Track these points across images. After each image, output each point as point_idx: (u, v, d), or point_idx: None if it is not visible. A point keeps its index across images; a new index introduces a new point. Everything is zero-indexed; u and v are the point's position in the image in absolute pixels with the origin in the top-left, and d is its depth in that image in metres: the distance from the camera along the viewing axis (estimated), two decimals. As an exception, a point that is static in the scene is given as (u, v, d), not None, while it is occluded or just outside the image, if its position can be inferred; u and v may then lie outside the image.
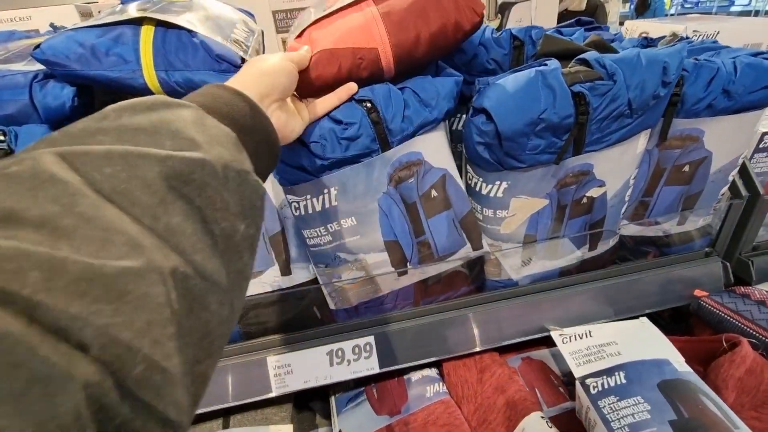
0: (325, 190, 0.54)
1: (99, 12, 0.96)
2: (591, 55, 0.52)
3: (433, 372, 0.77)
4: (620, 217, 0.69)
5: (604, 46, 0.58)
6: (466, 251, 0.64)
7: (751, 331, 0.63)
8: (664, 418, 0.53)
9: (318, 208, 0.56)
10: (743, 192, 0.72)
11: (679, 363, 0.60)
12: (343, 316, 0.69)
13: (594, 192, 0.62)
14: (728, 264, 0.77)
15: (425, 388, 0.74)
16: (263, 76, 0.41)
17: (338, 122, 0.50)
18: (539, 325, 0.72)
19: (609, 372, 0.61)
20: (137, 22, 0.59)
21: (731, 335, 0.64)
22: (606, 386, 0.59)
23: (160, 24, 0.59)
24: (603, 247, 0.72)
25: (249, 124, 0.34)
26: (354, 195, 0.55)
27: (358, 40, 0.51)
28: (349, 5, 0.53)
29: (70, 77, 0.56)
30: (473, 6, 0.53)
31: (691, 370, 0.59)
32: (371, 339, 0.68)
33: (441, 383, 0.75)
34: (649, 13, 4.66)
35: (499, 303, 0.71)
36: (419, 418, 0.69)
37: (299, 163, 0.51)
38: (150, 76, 0.57)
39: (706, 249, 0.78)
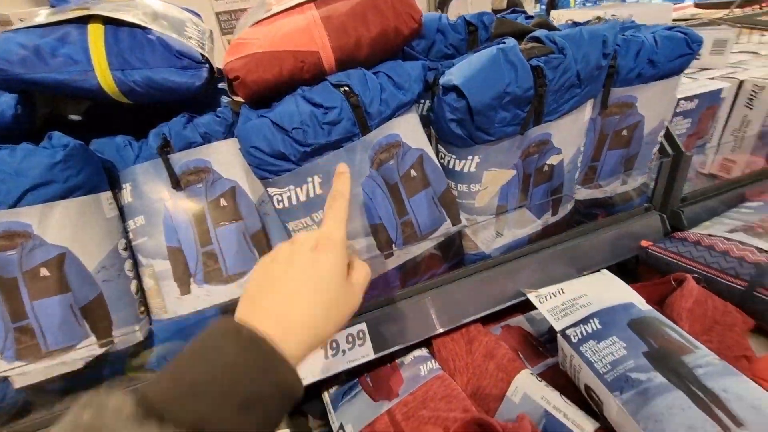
0: (309, 179, 0.54)
1: (20, 20, 0.87)
2: (541, 32, 0.58)
3: (423, 351, 0.79)
4: (573, 183, 0.76)
5: (549, 26, 0.64)
6: (447, 227, 0.67)
7: (693, 267, 0.73)
8: (639, 351, 0.59)
9: (302, 198, 0.56)
10: (669, 151, 0.83)
11: (641, 304, 0.68)
12: (332, 307, 0.69)
13: (553, 159, 0.67)
14: (665, 216, 0.88)
15: (419, 368, 0.75)
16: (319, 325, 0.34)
17: (318, 106, 0.50)
18: (516, 290, 0.77)
19: (585, 321, 0.66)
20: (82, 20, 0.55)
21: (678, 274, 0.73)
22: (584, 333, 0.65)
23: (108, 22, 0.55)
24: (562, 212, 0.79)
25: (258, 392, 0.29)
26: (338, 181, 0.55)
27: (298, 42, 0.52)
28: (291, 8, 0.54)
29: (12, 82, 0.51)
30: (411, 13, 0.56)
31: (653, 309, 0.67)
32: (363, 326, 0.68)
33: (433, 361, 0.77)
34: (559, 11, 5.10)
35: (479, 275, 0.75)
36: (418, 396, 0.71)
37: (279, 151, 0.51)
38: (104, 76, 0.54)
39: (646, 205, 0.88)
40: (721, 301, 0.68)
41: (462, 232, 0.71)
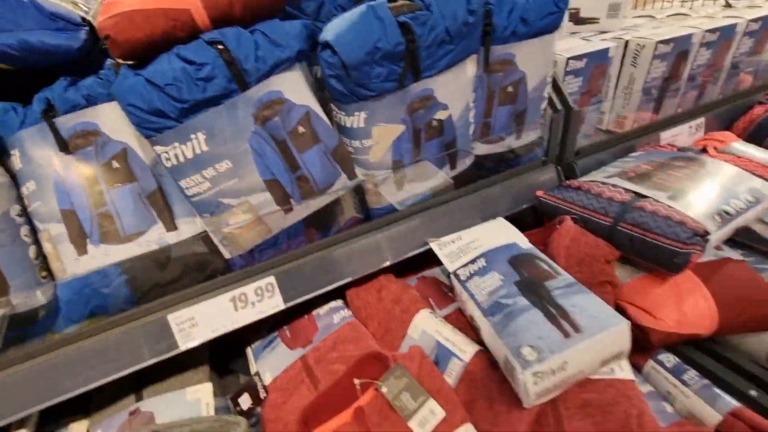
0: (192, 136, 0.57)
1: None
2: (411, -9, 0.62)
3: (338, 303, 0.85)
4: (470, 137, 0.82)
5: (425, -14, 0.67)
6: (343, 182, 0.71)
7: (573, 210, 0.81)
8: (511, 281, 0.66)
9: (189, 155, 0.58)
10: (559, 107, 0.90)
11: (524, 243, 0.75)
12: (240, 263, 0.72)
13: (441, 114, 0.73)
14: (559, 168, 0.96)
15: (332, 317, 0.81)
16: None
17: (191, 63, 0.53)
18: (422, 241, 0.83)
19: (473, 261, 0.73)
20: (-57, -18, 0.54)
21: (560, 217, 0.81)
22: (472, 272, 0.72)
23: (-27, -17, 0.55)
24: (462, 166, 0.85)
25: None
26: (223, 138, 0.58)
27: (169, 0, 0.53)
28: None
29: None
30: None
31: (533, 247, 0.74)
32: (272, 279, 0.72)
33: (346, 310, 0.83)
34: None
35: (384, 229, 0.80)
36: (329, 342, 0.76)
37: (156, 107, 0.53)
38: (-28, 38, 0.53)
39: (543, 158, 0.96)
40: (593, 237, 0.77)
41: (365, 187, 0.76)
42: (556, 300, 0.61)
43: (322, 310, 0.83)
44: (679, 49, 0.98)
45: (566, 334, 0.56)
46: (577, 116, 0.92)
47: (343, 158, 0.69)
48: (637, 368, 0.75)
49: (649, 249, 0.70)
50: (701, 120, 1.15)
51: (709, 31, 0.99)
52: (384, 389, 0.62)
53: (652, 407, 0.65)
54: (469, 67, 0.71)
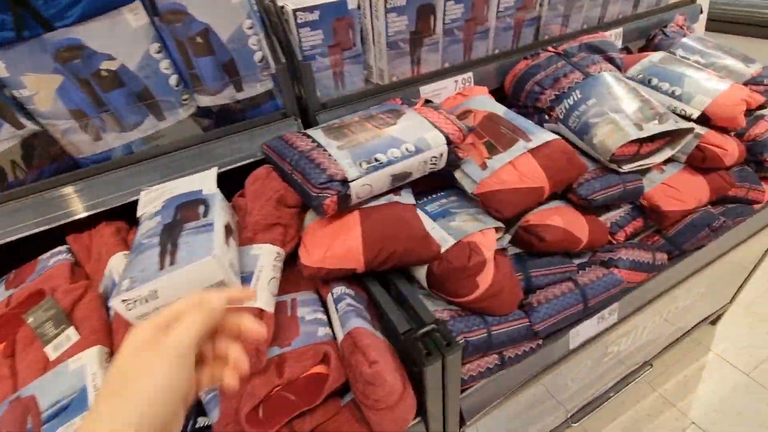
0: None
1: None
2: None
3: (62, 248, 0.90)
4: (173, 88, 0.85)
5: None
6: (10, 131, 0.74)
7: (274, 158, 0.87)
8: (162, 223, 0.73)
9: None
10: (282, 59, 0.93)
11: (209, 190, 0.81)
12: None
13: (110, 65, 0.75)
14: (300, 121, 1.01)
15: (50, 260, 0.87)
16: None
17: None
18: (135, 190, 0.88)
19: (155, 207, 0.79)
20: None
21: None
22: (146, 217, 0.78)
23: None
24: (174, 117, 0.88)
25: None
26: None
27: None
28: None
29: None
30: None
31: (215, 194, 0.80)
32: (-43, 224, 0.77)
33: (67, 254, 0.88)
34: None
35: (87, 179, 0.84)
36: (36, 281, 0.83)
37: None
38: None
39: (282, 111, 1.00)
40: (277, 182, 0.84)
41: (54, 136, 0.79)
42: (179, 239, 0.68)
43: (46, 255, 0.89)
44: (419, 3, 1.01)
45: (162, 267, 0.64)
46: (306, 69, 0.95)
47: (-3, 108, 0.71)
48: (323, 300, 0.85)
49: (303, 193, 0.78)
50: (468, 74, 1.20)
51: (450, -15, 1.02)
52: (30, 320, 0.70)
53: (306, 330, 0.76)
54: (130, 17, 0.73)
